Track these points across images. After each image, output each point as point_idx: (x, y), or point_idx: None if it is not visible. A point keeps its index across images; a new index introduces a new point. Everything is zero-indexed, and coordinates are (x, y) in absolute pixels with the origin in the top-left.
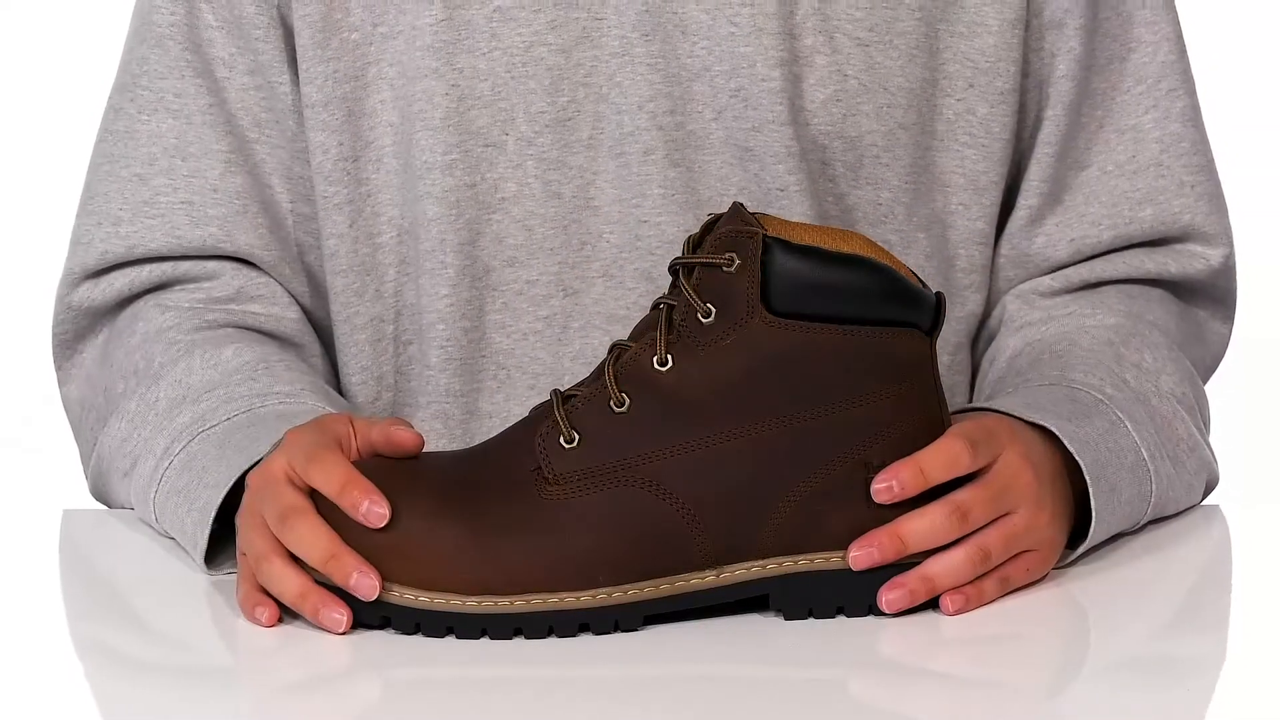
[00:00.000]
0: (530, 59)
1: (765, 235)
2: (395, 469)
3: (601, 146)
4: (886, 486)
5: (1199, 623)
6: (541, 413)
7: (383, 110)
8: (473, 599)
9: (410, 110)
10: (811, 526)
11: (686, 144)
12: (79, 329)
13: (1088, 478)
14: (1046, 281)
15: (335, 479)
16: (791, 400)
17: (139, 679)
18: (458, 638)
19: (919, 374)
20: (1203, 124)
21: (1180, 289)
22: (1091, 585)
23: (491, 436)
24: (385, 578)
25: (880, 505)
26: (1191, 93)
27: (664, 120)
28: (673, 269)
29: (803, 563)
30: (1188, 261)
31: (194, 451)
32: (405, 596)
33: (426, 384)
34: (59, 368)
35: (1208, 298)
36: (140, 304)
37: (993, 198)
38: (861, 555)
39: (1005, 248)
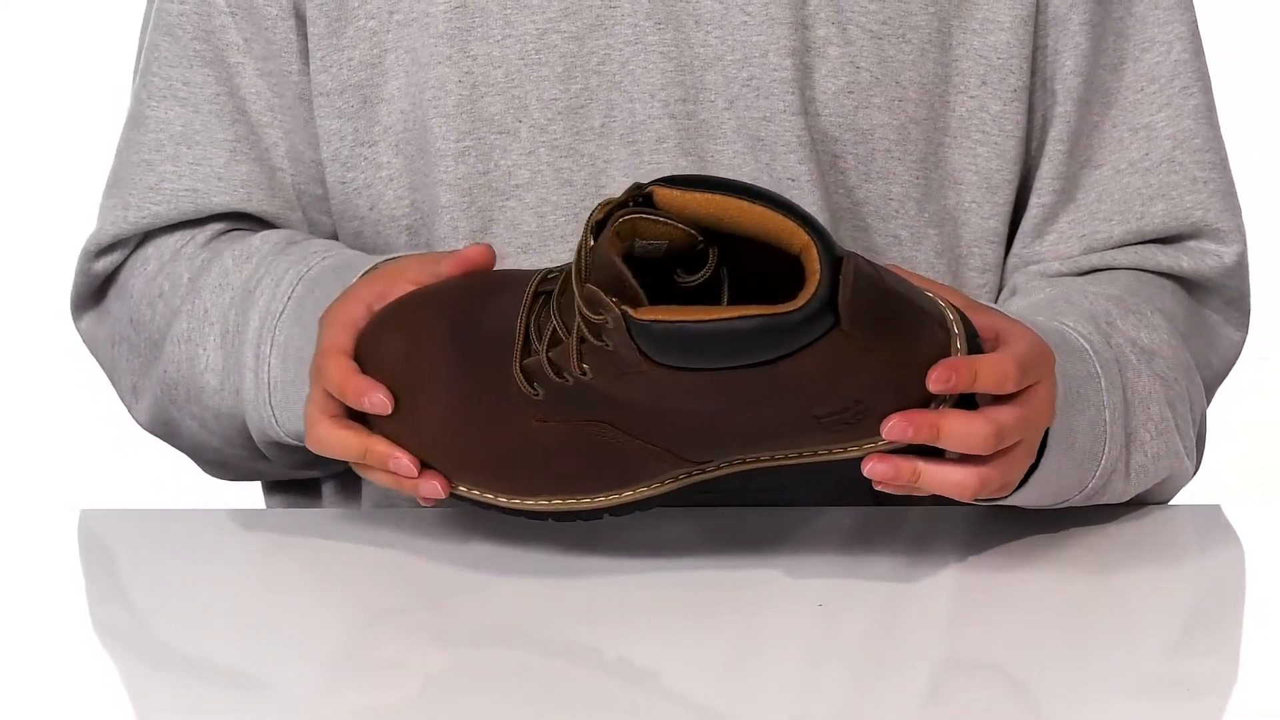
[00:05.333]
0: (543, 46)
1: (625, 315)
2: (403, 371)
3: (613, 134)
4: (945, 378)
5: (1207, 635)
6: (523, 315)
7: (398, 97)
8: (503, 497)
9: (423, 97)
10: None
11: (698, 133)
12: (96, 290)
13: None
14: (1055, 265)
15: (334, 383)
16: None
17: (152, 683)
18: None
19: (849, 367)
20: (1217, 122)
21: (1193, 287)
22: (1098, 588)
23: (489, 317)
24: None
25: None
26: (1206, 91)
27: (676, 109)
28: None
29: (807, 455)
30: (1200, 259)
31: (282, 342)
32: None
33: None
34: (78, 320)
35: (1221, 299)
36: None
37: (1005, 196)
38: (896, 425)
39: (1016, 246)
